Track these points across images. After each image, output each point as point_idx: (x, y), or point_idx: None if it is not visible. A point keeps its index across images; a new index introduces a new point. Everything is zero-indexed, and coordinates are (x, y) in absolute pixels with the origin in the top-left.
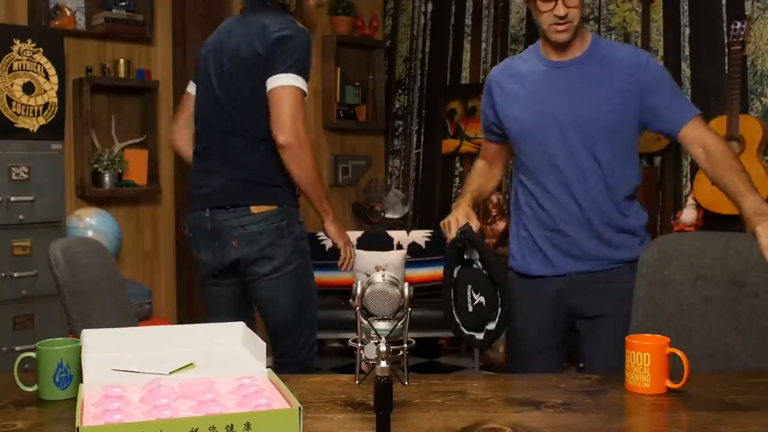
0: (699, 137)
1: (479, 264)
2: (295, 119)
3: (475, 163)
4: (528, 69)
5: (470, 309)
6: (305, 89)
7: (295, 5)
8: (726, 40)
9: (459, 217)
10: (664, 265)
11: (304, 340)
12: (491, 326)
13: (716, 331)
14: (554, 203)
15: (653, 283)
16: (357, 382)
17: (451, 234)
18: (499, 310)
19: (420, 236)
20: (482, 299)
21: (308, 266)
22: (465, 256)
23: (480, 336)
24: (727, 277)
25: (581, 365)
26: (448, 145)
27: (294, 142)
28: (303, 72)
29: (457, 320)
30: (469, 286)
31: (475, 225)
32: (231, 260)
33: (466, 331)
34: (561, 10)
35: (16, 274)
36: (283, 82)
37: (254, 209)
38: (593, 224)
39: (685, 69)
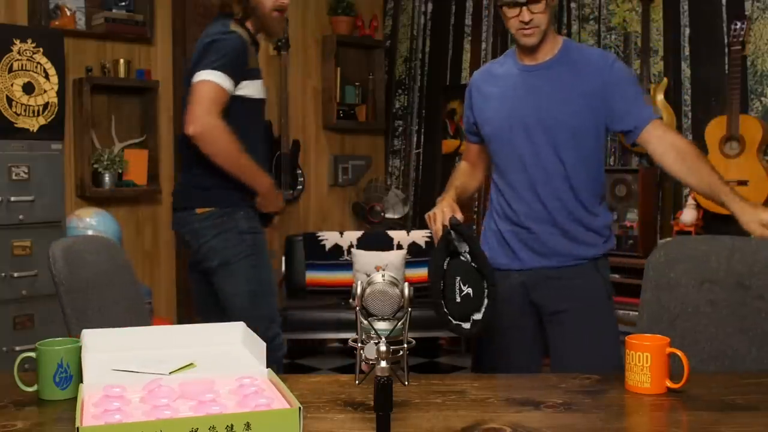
0: (664, 137)
1: (467, 256)
2: (206, 110)
3: (458, 164)
4: (503, 72)
5: (458, 299)
6: (224, 85)
7: (241, 12)
8: (726, 40)
9: (445, 210)
10: (671, 267)
11: (262, 333)
12: (478, 316)
13: (721, 333)
14: (521, 201)
15: (659, 285)
16: (357, 382)
17: (437, 225)
18: (486, 301)
19: (420, 236)
20: (470, 290)
21: (260, 261)
22: (455, 249)
23: (467, 326)
24: (733, 279)
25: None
26: (448, 145)
27: (202, 131)
28: (225, 68)
29: (445, 310)
30: (458, 278)
31: (459, 217)
32: (191, 255)
33: (453, 321)
34: (526, 16)
35: (16, 274)
36: (200, 77)
37: (198, 211)
38: (557, 222)
39: (685, 69)
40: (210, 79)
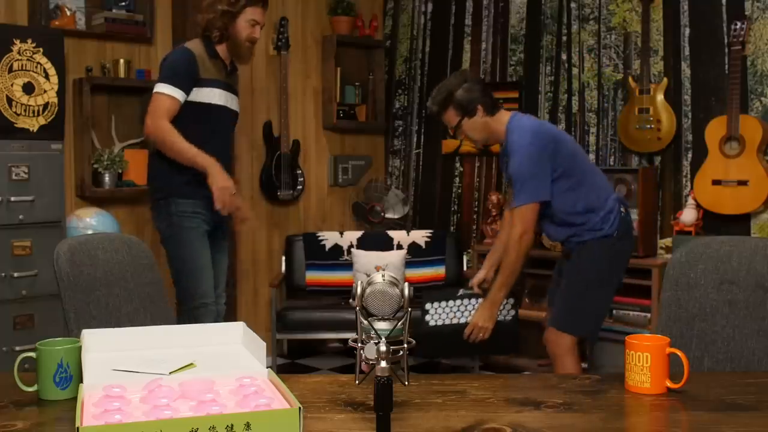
0: (509, 226)
1: None
2: (152, 114)
3: None
4: None
5: None
6: (168, 92)
7: (218, 37)
8: (726, 40)
9: None
10: (691, 267)
11: (186, 305)
12: None
13: (739, 334)
14: None
15: (679, 285)
16: (357, 382)
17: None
18: None
19: (420, 236)
20: None
21: (184, 241)
22: None
23: None
24: (753, 281)
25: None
26: (448, 145)
27: (150, 132)
28: (169, 80)
29: None
30: None
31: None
32: None
33: None
34: (457, 137)
35: (16, 274)
36: (154, 91)
37: (151, 197)
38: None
39: (685, 69)
40: (157, 90)
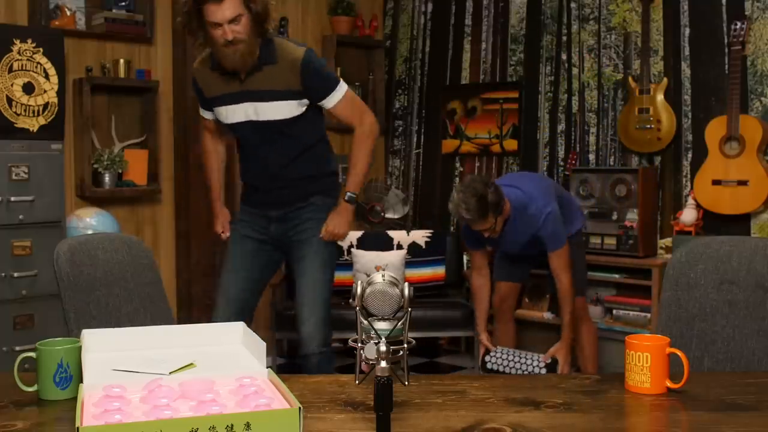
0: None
1: None
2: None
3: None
4: None
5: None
6: (200, 111)
7: (201, 46)
8: (726, 40)
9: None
10: (691, 267)
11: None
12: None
13: (739, 334)
14: None
15: (679, 285)
16: (357, 382)
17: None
18: None
19: (420, 236)
20: None
21: (229, 245)
22: None
23: None
24: (753, 281)
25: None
26: (448, 145)
27: None
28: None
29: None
30: None
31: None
32: None
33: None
34: (479, 233)
35: (16, 274)
36: None
37: None
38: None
39: (685, 69)
40: None
